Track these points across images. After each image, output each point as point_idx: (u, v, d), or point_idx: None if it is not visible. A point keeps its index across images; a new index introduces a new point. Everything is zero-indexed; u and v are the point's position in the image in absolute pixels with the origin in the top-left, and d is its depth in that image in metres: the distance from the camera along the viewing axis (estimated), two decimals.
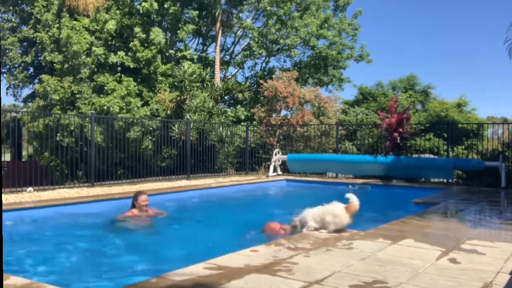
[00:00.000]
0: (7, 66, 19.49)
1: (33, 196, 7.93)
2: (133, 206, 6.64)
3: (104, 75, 16.42)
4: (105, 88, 16.03)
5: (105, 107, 15.13)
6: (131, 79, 16.42)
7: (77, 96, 16.22)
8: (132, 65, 16.68)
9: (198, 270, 3.36)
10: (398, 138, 12.01)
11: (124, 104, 15.55)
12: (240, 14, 21.51)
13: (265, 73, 22.38)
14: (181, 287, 2.98)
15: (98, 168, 11.40)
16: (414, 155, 13.05)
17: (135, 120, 14.59)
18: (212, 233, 6.15)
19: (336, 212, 4.88)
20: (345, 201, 4.99)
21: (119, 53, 16.70)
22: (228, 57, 22.59)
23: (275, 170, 13.55)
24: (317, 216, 4.95)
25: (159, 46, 16.91)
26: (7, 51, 18.78)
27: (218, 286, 2.97)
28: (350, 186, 11.09)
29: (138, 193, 6.80)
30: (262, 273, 3.30)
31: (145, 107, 16.34)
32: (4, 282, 2.72)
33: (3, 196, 7.73)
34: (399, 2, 77.10)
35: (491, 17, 77.29)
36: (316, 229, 4.95)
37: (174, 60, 18.34)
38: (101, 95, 15.98)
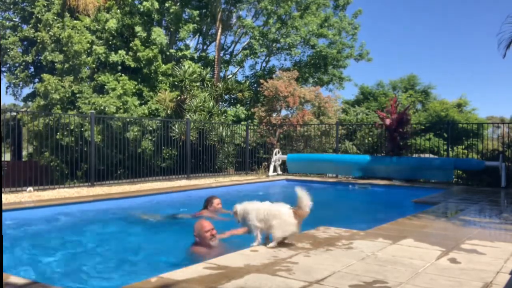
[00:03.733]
0: (8, 65, 19.49)
1: (33, 196, 7.93)
2: (205, 208, 6.77)
3: (105, 74, 16.42)
4: (106, 87, 16.04)
5: (102, 107, 15.13)
6: (127, 78, 16.41)
7: (77, 95, 16.22)
8: (132, 65, 16.68)
9: (198, 269, 3.36)
10: (398, 138, 12.00)
11: (120, 103, 15.54)
12: (240, 13, 21.54)
13: (265, 72, 22.39)
14: (181, 287, 2.98)
15: (98, 168, 11.40)
16: (414, 155, 13.03)
17: (135, 120, 14.59)
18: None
19: (284, 217, 4.08)
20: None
21: (119, 51, 16.70)
22: (228, 56, 22.61)
23: (275, 170, 13.54)
24: (261, 214, 4.15)
25: (160, 46, 16.90)
26: (8, 50, 18.78)
27: (218, 286, 2.97)
28: (350, 186, 11.10)
29: (212, 197, 6.89)
30: (262, 272, 3.30)
31: (143, 106, 16.33)
32: (4, 282, 2.72)
33: (3, 196, 7.73)
34: (399, 2, 77.04)
35: (491, 17, 77.24)
36: (261, 230, 4.17)
37: (174, 60, 18.35)
38: (101, 95, 15.99)
